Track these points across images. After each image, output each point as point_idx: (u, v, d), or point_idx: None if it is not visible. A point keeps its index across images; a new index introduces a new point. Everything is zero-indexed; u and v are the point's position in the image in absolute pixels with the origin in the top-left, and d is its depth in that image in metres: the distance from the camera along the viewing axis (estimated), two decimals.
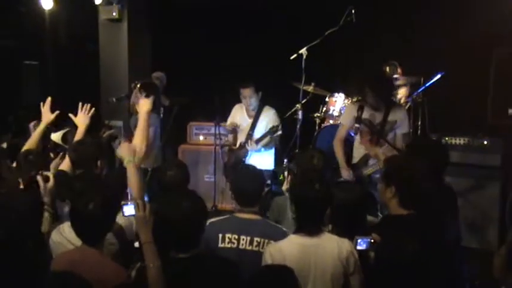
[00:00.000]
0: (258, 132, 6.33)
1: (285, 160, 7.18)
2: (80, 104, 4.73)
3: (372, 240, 3.12)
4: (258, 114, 6.39)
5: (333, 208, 3.45)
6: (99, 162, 4.17)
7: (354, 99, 6.83)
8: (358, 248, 3.14)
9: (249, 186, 3.76)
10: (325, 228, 3.45)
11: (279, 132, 6.37)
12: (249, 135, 6.36)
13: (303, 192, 3.35)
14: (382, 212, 4.35)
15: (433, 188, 3.65)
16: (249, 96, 6.30)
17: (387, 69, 7.00)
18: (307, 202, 3.29)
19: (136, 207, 3.25)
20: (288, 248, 3.26)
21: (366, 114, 5.31)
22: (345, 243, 3.26)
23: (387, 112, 5.31)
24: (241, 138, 6.48)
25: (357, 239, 3.13)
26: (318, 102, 7.51)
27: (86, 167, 4.07)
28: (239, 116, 6.54)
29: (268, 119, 6.38)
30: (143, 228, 3.23)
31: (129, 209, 3.30)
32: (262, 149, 6.37)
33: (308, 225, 3.31)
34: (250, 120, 6.44)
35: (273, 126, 6.21)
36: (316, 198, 3.28)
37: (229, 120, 6.59)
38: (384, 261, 3.03)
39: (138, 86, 6.48)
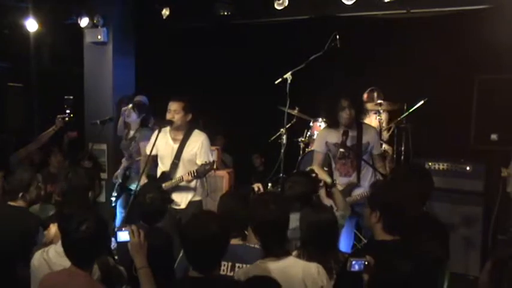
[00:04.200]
0: (185, 160, 5.45)
1: (269, 184, 7.19)
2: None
3: (366, 263, 3.06)
4: (186, 139, 5.48)
5: (305, 230, 3.56)
6: (90, 193, 4.28)
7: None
8: (352, 270, 3.06)
9: (234, 208, 3.76)
10: (292, 251, 3.48)
11: (211, 172, 5.41)
12: (174, 164, 5.46)
13: (259, 214, 3.34)
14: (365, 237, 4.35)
15: (416, 215, 3.66)
16: (174, 111, 5.40)
17: (375, 94, 7.04)
18: (265, 224, 3.28)
19: (131, 233, 3.25)
20: (254, 274, 3.22)
21: (337, 139, 5.29)
22: (311, 268, 3.23)
23: (360, 133, 5.31)
24: (163, 165, 5.57)
25: (351, 261, 3.07)
26: (302, 126, 7.53)
27: (76, 197, 4.11)
28: (163, 141, 5.52)
29: (198, 145, 5.45)
30: (138, 253, 3.25)
31: (123, 235, 3.32)
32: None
33: (273, 249, 3.29)
34: (175, 145, 5.50)
35: (206, 164, 5.21)
36: (272, 219, 3.26)
37: (149, 147, 5.50)
38: (377, 283, 2.99)
39: (131, 105, 6.77)
